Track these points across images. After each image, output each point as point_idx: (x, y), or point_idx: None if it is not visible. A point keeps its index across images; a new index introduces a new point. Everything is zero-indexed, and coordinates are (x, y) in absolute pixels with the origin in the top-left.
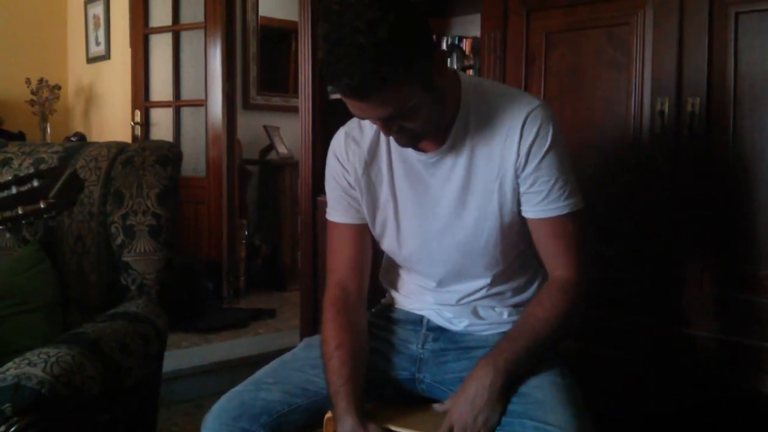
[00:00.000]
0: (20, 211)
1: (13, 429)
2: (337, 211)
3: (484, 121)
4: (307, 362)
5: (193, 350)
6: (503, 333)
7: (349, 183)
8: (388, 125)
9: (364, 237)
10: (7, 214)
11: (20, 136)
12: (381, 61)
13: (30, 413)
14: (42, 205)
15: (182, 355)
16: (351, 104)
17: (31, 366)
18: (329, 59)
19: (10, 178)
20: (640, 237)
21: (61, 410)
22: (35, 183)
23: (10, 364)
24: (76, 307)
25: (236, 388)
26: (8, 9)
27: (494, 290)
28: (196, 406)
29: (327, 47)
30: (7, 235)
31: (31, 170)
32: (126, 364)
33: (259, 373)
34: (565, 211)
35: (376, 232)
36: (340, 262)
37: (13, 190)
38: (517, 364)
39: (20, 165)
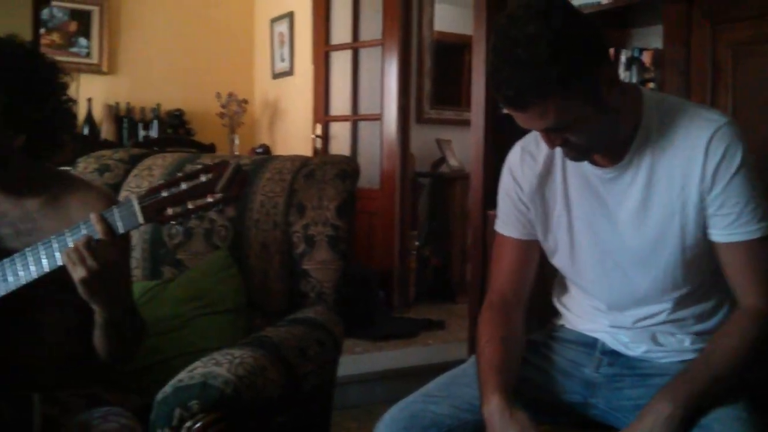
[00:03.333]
0: (189, 206)
1: (198, 425)
2: (506, 224)
3: (666, 138)
4: (476, 378)
5: (365, 357)
6: (683, 361)
7: (520, 199)
8: (550, 137)
9: (530, 253)
10: (178, 209)
11: (211, 148)
12: (538, 74)
13: (214, 411)
14: (209, 199)
15: (354, 360)
16: (513, 114)
17: (218, 366)
18: (491, 70)
19: (180, 174)
20: None
21: (243, 410)
22: (203, 178)
23: (197, 363)
24: (258, 311)
25: (406, 399)
26: (201, 28)
27: (675, 316)
28: (365, 411)
29: (491, 58)
30: (179, 228)
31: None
32: (304, 369)
33: (430, 386)
34: (757, 236)
35: (549, 247)
36: (502, 275)
37: (183, 186)
38: (698, 398)
39: None
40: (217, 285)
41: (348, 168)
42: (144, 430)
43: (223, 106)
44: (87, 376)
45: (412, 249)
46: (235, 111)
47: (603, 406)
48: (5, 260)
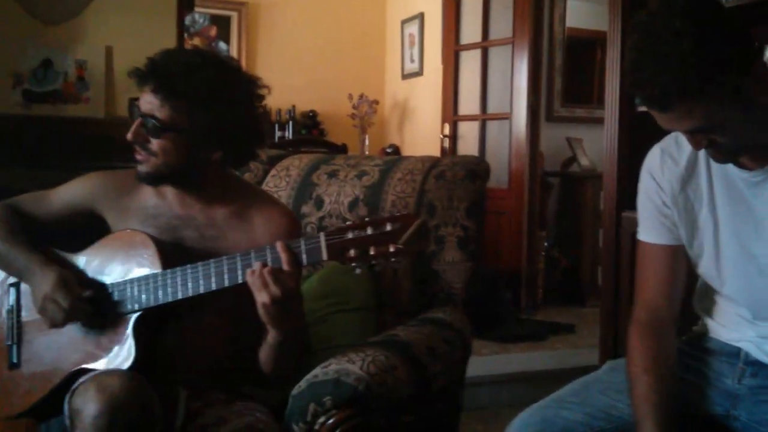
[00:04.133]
0: (371, 252)
1: (331, 421)
2: (649, 230)
3: None
4: (611, 386)
5: (493, 358)
6: None
7: (663, 201)
8: (695, 138)
9: (677, 259)
10: (360, 252)
11: (343, 148)
12: (683, 72)
13: (347, 407)
14: (391, 249)
15: (482, 362)
16: (655, 115)
17: (350, 363)
18: (632, 68)
19: (368, 219)
20: None
21: (374, 408)
22: (388, 227)
23: (331, 359)
24: (389, 310)
25: (537, 404)
26: (335, 31)
27: None
28: (493, 414)
29: (632, 56)
30: (357, 271)
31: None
32: (433, 369)
33: (562, 391)
34: None
35: (694, 254)
36: (649, 285)
37: (368, 231)
38: None
39: (345, 176)
40: (349, 283)
41: (478, 169)
42: (280, 424)
43: (354, 107)
44: (233, 375)
45: (541, 250)
46: (366, 112)
47: (745, 419)
48: (188, 266)
